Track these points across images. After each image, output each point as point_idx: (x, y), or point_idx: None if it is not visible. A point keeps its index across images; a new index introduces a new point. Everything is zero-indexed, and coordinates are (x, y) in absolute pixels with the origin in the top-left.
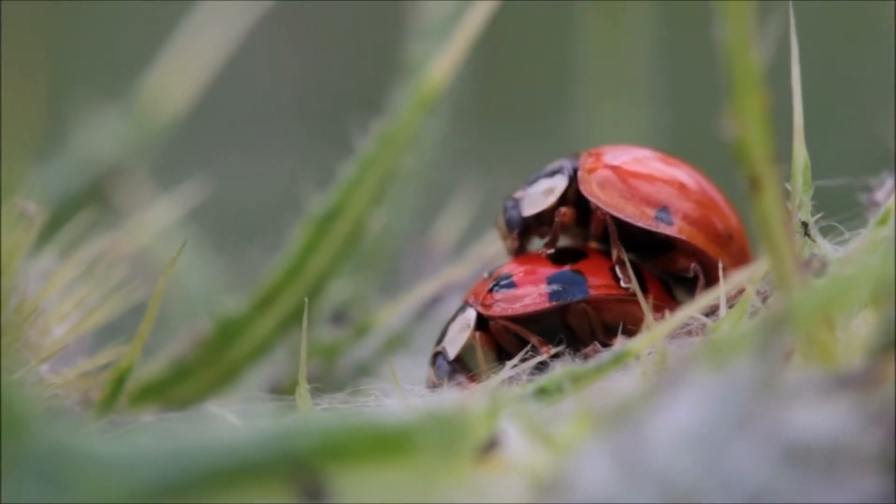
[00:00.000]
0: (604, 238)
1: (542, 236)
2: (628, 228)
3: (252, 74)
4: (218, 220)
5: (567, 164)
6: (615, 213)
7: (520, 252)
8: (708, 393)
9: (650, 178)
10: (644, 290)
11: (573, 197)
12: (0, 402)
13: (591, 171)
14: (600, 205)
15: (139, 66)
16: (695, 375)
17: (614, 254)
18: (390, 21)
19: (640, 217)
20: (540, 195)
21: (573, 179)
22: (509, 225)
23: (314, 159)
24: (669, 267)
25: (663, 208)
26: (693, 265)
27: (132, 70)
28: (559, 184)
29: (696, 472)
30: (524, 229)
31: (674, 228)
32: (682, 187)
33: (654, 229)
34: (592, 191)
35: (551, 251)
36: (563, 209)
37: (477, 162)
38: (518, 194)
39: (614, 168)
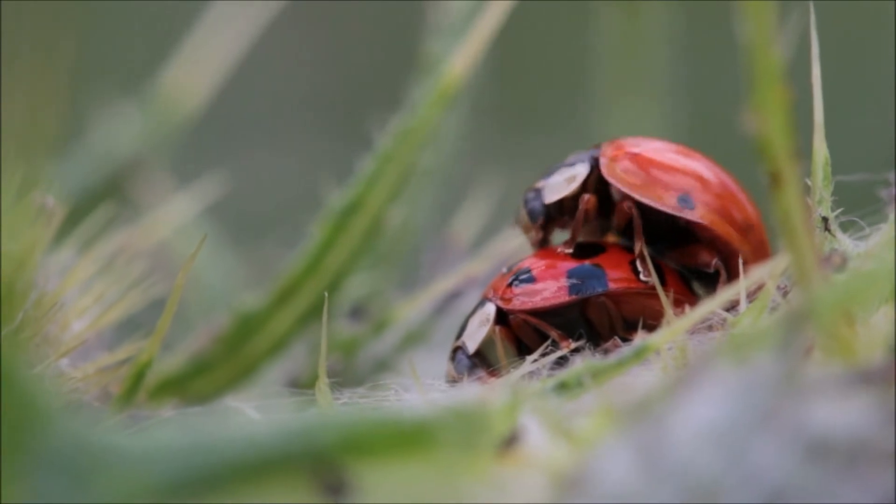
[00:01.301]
0: (625, 230)
1: (563, 227)
2: (650, 216)
3: (270, 70)
4: (236, 215)
5: (586, 155)
6: (639, 197)
7: (543, 244)
8: (729, 388)
9: (671, 166)
10: (663, 283)
11: (594, 185)
12: (23, 397)
13: (613, 157)
14: (624, 188)
15: (157, 62)
16: (716, 371)
17: (637, 247)
18: (408, 16)
19: (663, 201)
20: (562, 182)
21: (594, 168)
22: (531, 215)
23: (332, 154)
24: (690, 261)
25: (685, 194)
26: (714, 260)
27: (150, 65)
28: (581, 170)
29: (717, 468)
30: (547, 219)
31: (696, 213)
32: (702, 176)
33: (676, 213)
34: (617, 174)
35: (570, 248)
36: (587, 196)
37: (495, 157)
38: (539, 184)
39: (636, 155)
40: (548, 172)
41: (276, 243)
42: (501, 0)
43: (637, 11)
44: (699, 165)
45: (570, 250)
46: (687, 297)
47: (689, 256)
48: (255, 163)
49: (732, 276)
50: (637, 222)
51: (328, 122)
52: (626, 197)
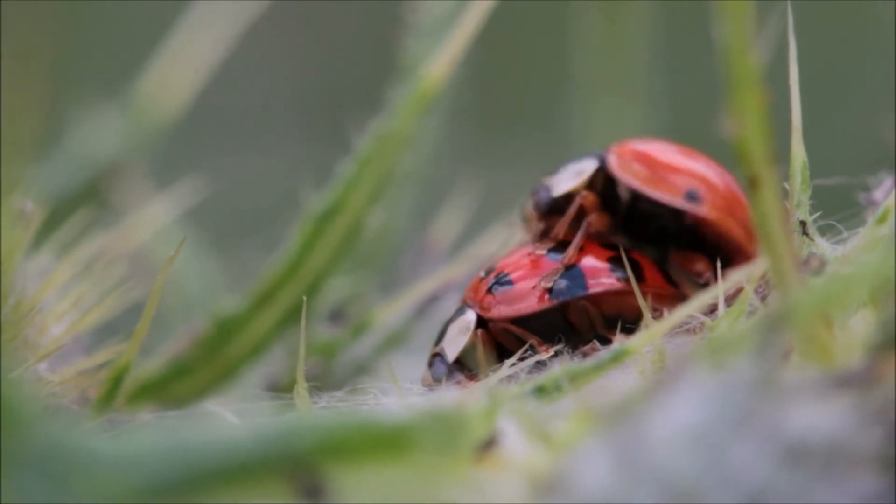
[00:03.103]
0: (625, 228)
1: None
2: (655, 214)
3: (249, 73)
4: (215, 219)
5: (594, 154)
6: (648, 192)
7: (543, 236)
8: (707, 391)
9: (677, 164)
10: (642, 278)
11: (601, 184)
12: (1, 401)
13: (622, 154)
14: (634, 183)
15: (137, 65)
16: (693, 374)
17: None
18: (388, 19)
19: (672, 196)
20: (571, 175)
21: (602, 165)
22: (538, 206)
23: (312, 157)
24: (687, 266)
25: (693, 190)
26: (707, 274)
27: (130, 68)
28: (589, 165)
29: (695, 471)
30: (552, 211)
31: (703, 209)
32: (707, 175)
33: (685, 208)
34: (627, 169)
35: (546, 246)
36: (586, 192)
37: (475, 160)
38: (548, 179)
39: (644, 153)
40: (557, 170)
41: (256, 246)
42: (481, 1)
43: (617, 13)
44: (704, 165)
45: (550, 246)
46: (666, 290)
47: (687, 262)
48: (234, 166)
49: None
50: (583, 231)
51: (308, 124)
52: (635, 193)
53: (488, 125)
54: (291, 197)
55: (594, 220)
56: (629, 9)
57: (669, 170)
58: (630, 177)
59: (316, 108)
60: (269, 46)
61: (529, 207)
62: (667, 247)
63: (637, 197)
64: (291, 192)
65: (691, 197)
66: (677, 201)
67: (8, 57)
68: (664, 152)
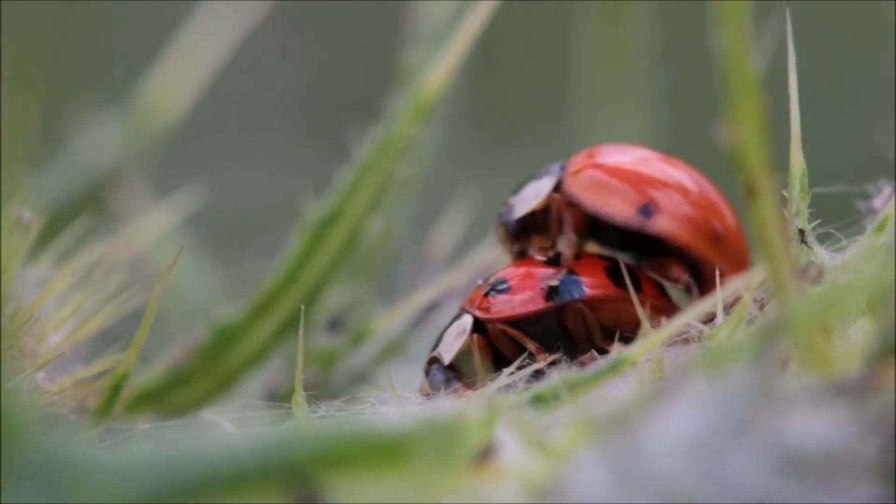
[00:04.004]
0: (597, 237)
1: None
2: (616, 228)
3: (248, 80)
4: (214, 227)
5: (556, 167)
6: (596, 210)
7: (520, 256)
8: (705, 401)
9: (637, 175)
10: (639, 290)
11: (563, 196)
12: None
13: (575, 171)
14: (582, 202)
15: (136, 72)
16: (692, 383)
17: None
18: (387, 26)
19: (621, 214)
20: (529, 197)
21: (560, 181)
22: (507, 229)
23: (311, 164)
24: (662, 273)
25: (647, 205)
26: (685, 277)
27: (130, 76)
28: (546, 185)
29: (692, 481)
30: (520, 232)
31: (655, 224)
32: (671, 185)
33: (635, 225)
34: (575, 189)
35: (545, 256)
36: (556, 195)
37: (474, 167)
38: (510, 200)
39: (600, 166)
40: (518, 187)
41: (255, 254)
42: (481, 7)
43: (618, 19)
44: (673, 173)
45: (546, 257)
46: (662, 303)
47: (661, 269)
48: (233, 173)
49: (709, 283)
50: (567, 227)
51: (307, 131)
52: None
53: (488, 132)
54: (290, 204)
55: (573, 211)
56: (630, 14)
57: (624, 183)
58: (579, 197)
59: (315, 114)
60: (268, 53)
61: (500, 230)
62: (638, 255)
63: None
64: (290, 199)
65: (645, 212)
66: (630, 218)
67: (7, 64)
68: (622, 164)
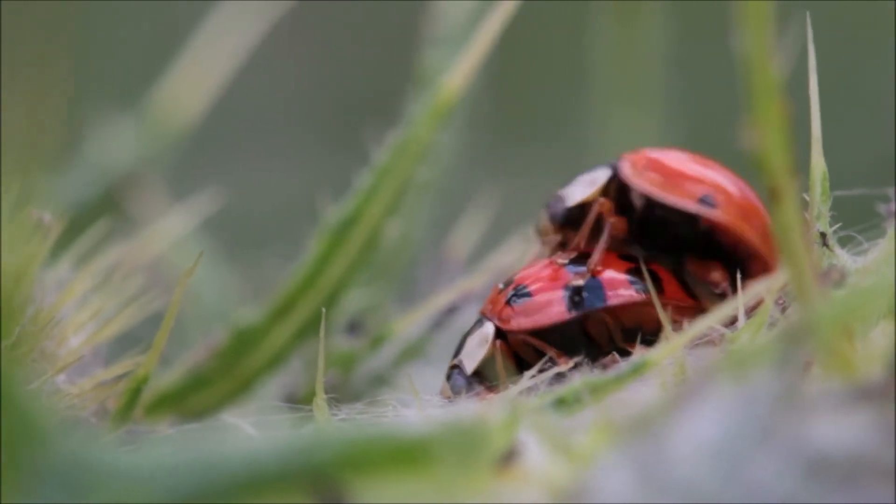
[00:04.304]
0: (640, 237)
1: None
2: (669, 221)
3: (264, 82)
4: (232, 229)
5: (607, 164)
6: (661, 197)
7: (561, 248)
8: (729, 404)
9: (692, 170)
10: (661, 291)
11: (614, 193)
12: (21, 413)
13: (635, 161)
14: (647, 188)
15: (152, 75)
16: (715, 387)
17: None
18: (404, 28)
19: (686, 200)
20: (584, 185)
21: (615, 174)
22: (553, 218)
23: (328, 167)
24: (703, 276)
25: (707, 195)
26: (723, 284)
27: (145, 78)
28: (602, 175)
29: (717, 485)
30: (568, 222)
31: (717, 212)
32: (722, 181)
33: (699, 212)
34: (639, 175)
35: (565, 258)
36: (602, 199)
37: (492, 170)
38: (561, 191)
39: (657, 159)
40: (570, 181)
41: (273, 257)
42: (500, 9)
43: (633, 20)
44: (717, 172)
45: (570, 258)
46: (686, 302)
47: (704, 270)
48: (249, 176)
49: (756, 274)
50: (606, 235)
51: (324, 134)
52: (649, 200)
53: (506, 134)
54: (308, 207)
55: (616, 222)
56: (646, 16)
57: (682, 176)
58: (644, 183)
59: (332, 116)
60: (284, 54)
61: (545, 220)
62: (682, 256)
63: (651, 204)
64: (307, 201)
65: (705, 201)
66: (691, 205)
67: (26, 67)
68: (677, 159)
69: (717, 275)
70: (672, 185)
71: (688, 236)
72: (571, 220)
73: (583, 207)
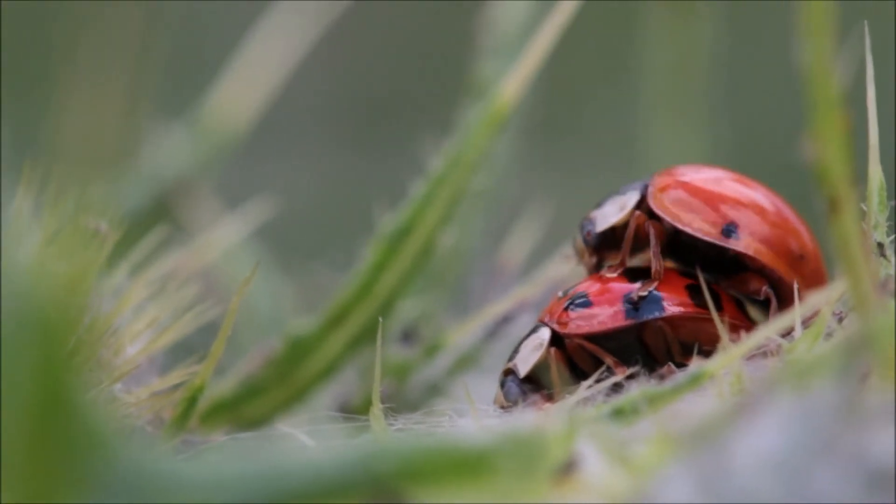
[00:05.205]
0: (674, 255)
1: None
2: (697, 245)
3: (313, 91)
4: (281, 236)
5: (639, 184)
6: (682, 228)
7: (596, 270)
8: (789, 416)
9: (720, 195)
10: (719, 309)
11: (645, 213)
12: (84, 424)
13: (661, 188)
14: (668, 219)
15: (202, 84)
16: (776, 398)
17: (654, 265)
18: (456, 35)
19: (708, 232)
20: (614, 210)
21: (644, 197)
22: (587, 242)
23: (380, 174)
24: (741, 288)
25: (731, 224)
26: (764, 288)
27: (196, 87)
28: (631, 199)
29: (777, 496)
30: (600, 246)
31: (741, 243)
32: (751, 205)
33: (721, 244)
34: (662, 206)
35: (623, 269)
36: (638, 212)
37: (546, 179)
38: (592, 214)
39: (684, 184)
40: (600, 202)
41: (326, 265)
42: (554, 20)
43: (686, 28)
44: (752, 194)
45: (618, 273)
46: (742, 322)
47: (740, 284)
48: (296, 183)
49: (787, 302)
50: (654, 242)
51: (376, 141)
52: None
53: (558, 142)
54: (361, 215)
55: (657, 226)
56: (697, 22)
57: (708, 203)
58: (665, 214)
59: (376, 123)
60: (321, 60)
61: (579, 242)
62: (715, 272)
63: (676, 230)
64: (355, 209)
65: (728, 232)
66: (714, 236)
67: (83, 75)
68: (706, 182)
69: (754, 283)
70: (696, 213)
71: (716, 258)
72: (604, 243)
73: (614, 230)
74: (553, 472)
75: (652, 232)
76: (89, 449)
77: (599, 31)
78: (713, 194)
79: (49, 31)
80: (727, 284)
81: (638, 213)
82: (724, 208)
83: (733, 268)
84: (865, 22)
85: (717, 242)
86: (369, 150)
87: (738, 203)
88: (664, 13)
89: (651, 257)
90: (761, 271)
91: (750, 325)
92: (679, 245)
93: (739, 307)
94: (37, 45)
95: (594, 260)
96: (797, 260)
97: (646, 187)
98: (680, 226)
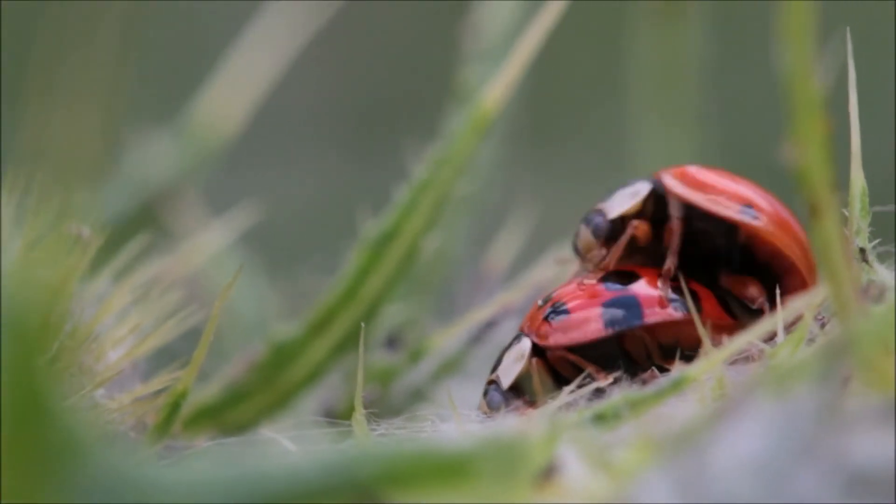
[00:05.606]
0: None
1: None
2: (709, 231)
3: (300, 96)
4: (265, 242)
5: (644, 179)
6: (703, 204)
7: (605, 262)
8: (769, 420)
9: (733, 180)
10: (700, 308)
11: (652, 208)
12: (63, 429)
13: (675, 173)
14: (688, 197)
15: (188, 89)
16: (756, 402)
17: (667, 264)
18: (441, 41)
19: (727, 209)
20: (626, 197)
21: (654, 188)
22: (596, 232)
23: (361, 179)
24: (740, 291)
25: (748, 204)
26: (761, 299)
27: (182, 92)
28: (643, 187)
29: (758, 500)
30: (611, 235)
31: (759, 222)
32: (758, 194)
33: (741, 220)
34: (680, 185)
35: (601, 275)
36: (636, 222)
37: (530, 184)
38: (600, 205)
39: (696, 172)
40: (607, 194)
41: (311, 271)
42: (540, 23)
43: (671, 33)
44: (753, 187)
45: (602, 274)
46: (724, 320)
47: (740, 286)
48: (282, 188)
49: (795, 292)
50: (675, 241)
51: (356, 146)
52: (687, 209)
53: (543, 148)
54: (339, 219)
55: (640, 225)
56: (684, 28)
57: (723, 187)
58: (687, 192)
59: (362, 128)
60: (308, 66)
61: (587, 235)
62: (718, 271)
63: (690, 216)
64: (340, 214)
65: (746, 211)
66: (735, 214)
67: (64, 79)
68: (715, 174)
69: (753, 290)
70: (714, 194)
71: (725, 250)
72: (616, 233)
73: (624, 220)
74: (535, 477)
75: (676, 226)
76: (69, 455)
77: (586, 35)
78: (727, 179)
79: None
80: (728, 283)
81: (636, 222)
82: (740, 191)
83: (738, 263)
84: (847, 27)
85: (738, 218)
86: (354, 156)
87: (746, 190)
88: (651, 17)
89: (668, 254)
90: (771, 257)
91: (731, 320)
92: (686, 237)
93: (721, 302)
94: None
95: (603, 252)
96: (805, 248)
97: (654, 180)
98: (703, 203)
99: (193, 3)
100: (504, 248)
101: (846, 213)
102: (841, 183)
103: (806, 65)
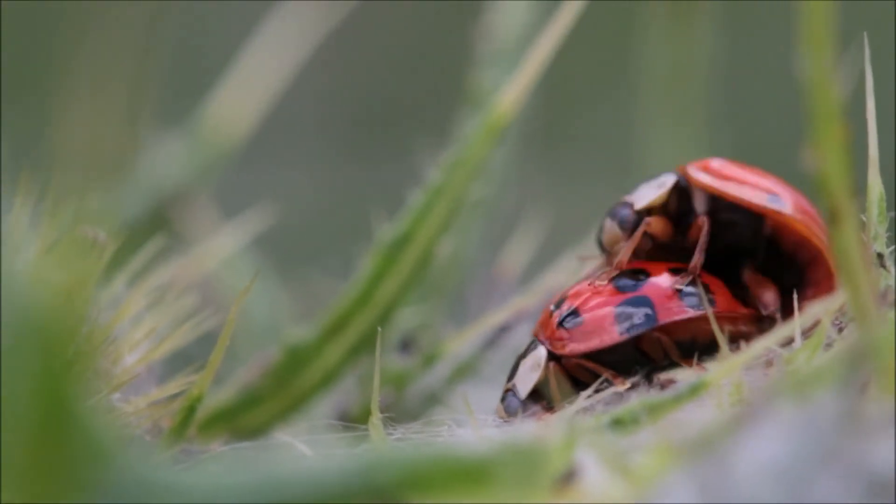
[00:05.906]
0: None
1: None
2: (733, 224)
3: (310, 99)
4: (278, 245)
5: (668, 173)
6: (731, 192)
7: (619, 260)
8: (790, 425)
9: (757, 171)
10: (713, 302)
11: (676, 203)
12: (83, 433)
13: (701, 165)
14: (716, 187)
15: (200, 92)
16: (776, 408)
17: (694, 261)
18: (455, 44)
19: (755, 197)
20: (652, 188)
21: (679, 180)
22: (622, 224)
23: (373, 182)
24: (757, 293)
25: (774, 194)
26: (773, 308)
27: (193, 96)
28: (669, 179)
29: None
30: (638, 227)
31: (787, 208)
32: (782, 185)
33: (770, 207)
34: (707, 175)
35: (613, 274)
36: (650, 219)
37: (544, 188)
38: (627, 198)
39: (722, 164)
40: (633, 189)
41: (325, 274)
42: (554, 29)
43: (683, 36)
44: (777, 180)
45: (615, 273)
46: (738, 312)
47: (759, 287)
48: (293, 191)
49: (819, 287)
50: (704, 238)
51: (374, 149)
52: (713, 201)
53: (557, 151)
54: (357, 223)
55: (654, 222)
56: (695, 31)
57: (748, 178)
58: (714, 181)
59: (374, 130)
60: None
61: (613, 228)
62: (739, 267)
63: (715, 208)
64: (357, 218)
65: (774, 199)
66: (764, 201)
67: (82, 84)
68: (738, 166)
69: (770, 296)
70: (741, 183)
71: (749, 243)
72: (639, 225)
73: (651, 212)
74: (553, 482)
75: (703, 222)
76: (89, 458)
77: (598, 38)
78: (751, 170)
79: (48, 38)
80: (747, 283)
81: (650, 219)
82: (765, 181)
83: (762, 256)
84: (865, 33)
85: (768, 206)
86: (368, 159)
87: (772, 179)
88: (663, 19)
89: (696, 251)
90: (797, 249)
91: (746, 312)
92: (714, 229)
93: (733, 295)
94: (36, 52)
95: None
96: (828, 237)
97: (679, 172)
98: (732, 191)
99: (203, 6)
100: (518, 252)
101: (864, 219)
102: (858, 188)
103: (826, 73)
